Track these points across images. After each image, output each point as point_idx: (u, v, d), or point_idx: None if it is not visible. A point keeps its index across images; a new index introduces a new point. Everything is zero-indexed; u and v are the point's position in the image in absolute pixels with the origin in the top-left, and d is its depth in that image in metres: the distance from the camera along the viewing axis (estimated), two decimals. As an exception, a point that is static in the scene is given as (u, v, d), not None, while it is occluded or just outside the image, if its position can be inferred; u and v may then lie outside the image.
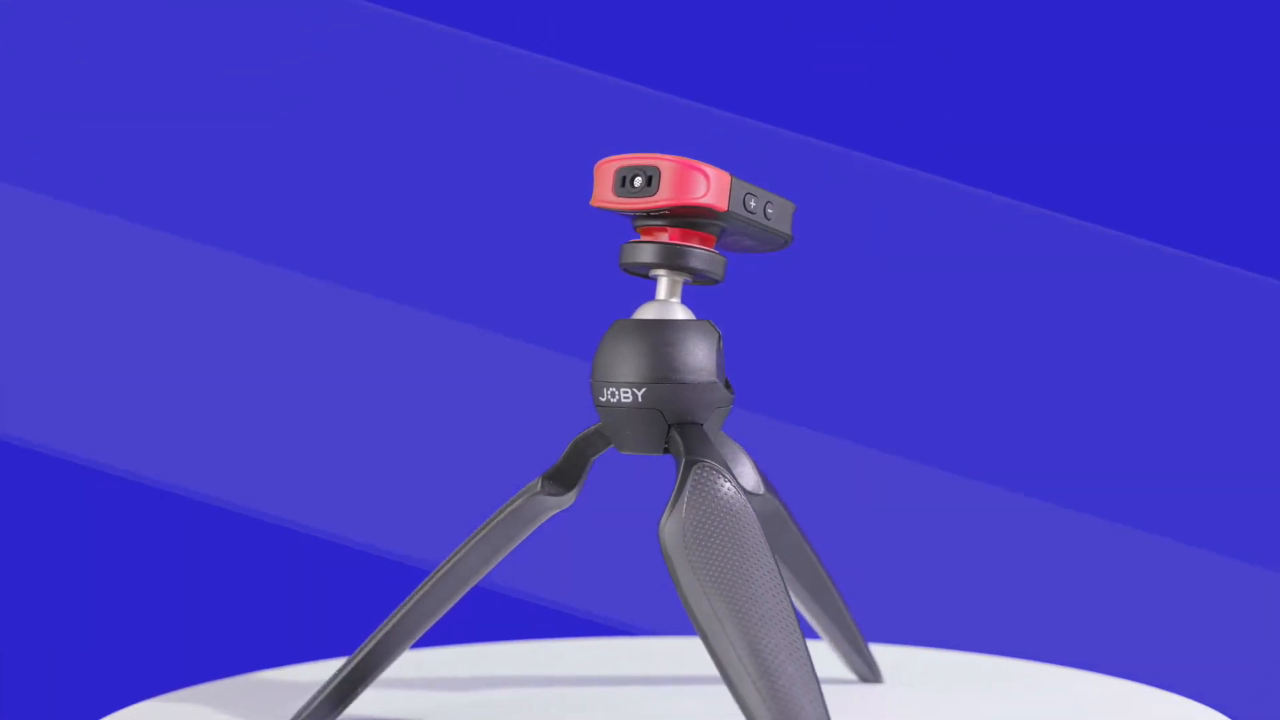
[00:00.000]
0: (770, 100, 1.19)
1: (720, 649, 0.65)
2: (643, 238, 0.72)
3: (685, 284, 0.73)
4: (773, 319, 1.17)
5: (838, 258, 1.17)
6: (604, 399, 0.71)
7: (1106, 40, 1.18)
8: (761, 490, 0.75)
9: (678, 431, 0.70)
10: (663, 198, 0.70)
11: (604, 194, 0.71)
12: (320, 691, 0.74)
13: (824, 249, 1.12)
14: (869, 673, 0.84)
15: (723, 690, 0.74)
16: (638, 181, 0.70)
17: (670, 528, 0.67)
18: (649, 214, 0.71)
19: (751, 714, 0.64)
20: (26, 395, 1.16)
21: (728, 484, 0.68)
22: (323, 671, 0.86)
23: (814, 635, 0.80)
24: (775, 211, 0.74)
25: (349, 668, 0.74)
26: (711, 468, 0.69)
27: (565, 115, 1.18)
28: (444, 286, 1.19)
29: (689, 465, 0.69)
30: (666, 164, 0.70)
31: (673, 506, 0.68)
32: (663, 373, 0.70)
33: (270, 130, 1.17)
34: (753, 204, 0.72)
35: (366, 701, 0.79)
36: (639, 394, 0.70)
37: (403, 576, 1.15)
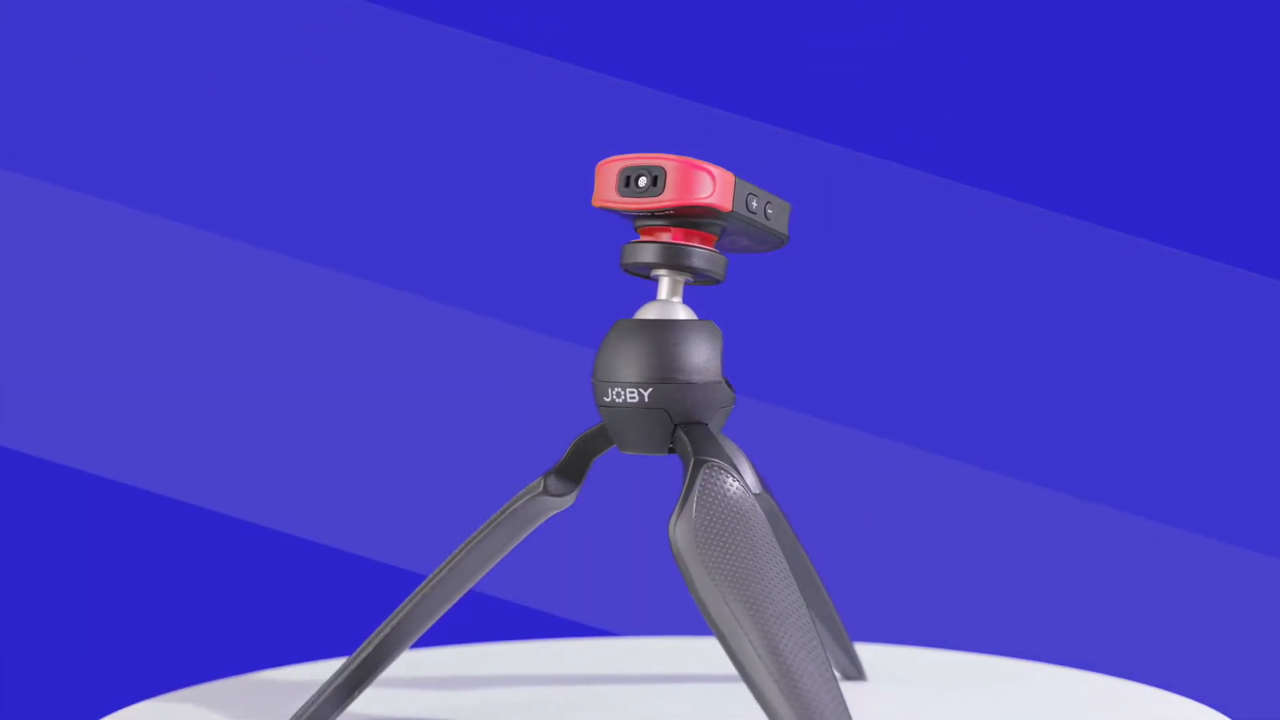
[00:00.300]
0: (770, 100, 1.19)
1: (739, 649, 0.65)
2: (643, 238, 0.72)
3: (686, 284, 0.72)
4: (773, 319, 1.17)
5: (838, 258, 1.17)
6: (608, 399, 0.71)
7: (1106, 40, 1.18)
8: (759, 490, 0.75)
9: (684, 431, 0.70)
10: (668, 198, 0.69)
11: (607, 194, 0.71)
12: (321, 691, 0.74)
13: (824, 249, 1.12)
14: (853, 670, 0.85)
15: (721, 689, 0.74)
16: (642, 181, 0.70)
17: (681, 529, 0.67)
18: (652, 214, 0.71)
19: (774, 713, 0.64)
20: (27, 397, 1.16)
21: (735, 483, 0.68)
22: (323, 671, 0.86)
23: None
24: (774, 212, 0.74)
25: (349, 668, 0.74)
26: (719, 467, 0.68)
27: (565, 115, 1.18)
28: (444, 287, 1.19)
29: (697, 465, 0.68)
30: (671, 164, 0.70)
31: (682, 507, 0.67)
32: (669, 373, 0.70)
33: (271, 130, 1.17)
34: (754, 204, 0.72)
35: (366, 701, 0.79)
36: (645, 394, 0.70)
37: (403, 577, 1.15)
